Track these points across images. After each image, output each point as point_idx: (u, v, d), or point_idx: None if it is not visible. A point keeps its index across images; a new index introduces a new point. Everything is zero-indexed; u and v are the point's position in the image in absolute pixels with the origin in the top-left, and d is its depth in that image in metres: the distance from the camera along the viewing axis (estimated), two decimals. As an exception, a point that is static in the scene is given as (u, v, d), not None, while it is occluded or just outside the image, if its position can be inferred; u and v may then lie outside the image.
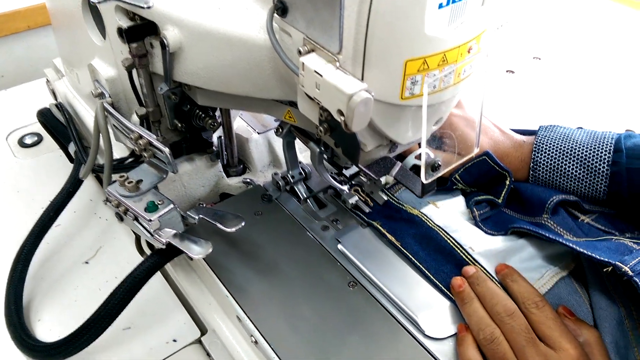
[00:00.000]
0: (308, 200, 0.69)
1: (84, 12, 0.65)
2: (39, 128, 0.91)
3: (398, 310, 0.56)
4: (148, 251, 0.74)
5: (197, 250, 0.55)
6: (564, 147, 0.64)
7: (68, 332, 0.59)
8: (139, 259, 0.73)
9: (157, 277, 0.70)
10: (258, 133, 0.76)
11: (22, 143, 0.93)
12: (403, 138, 0.49)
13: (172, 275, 0.69)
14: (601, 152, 0.62)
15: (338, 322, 0.55)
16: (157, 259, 0.59)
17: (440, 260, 0.59)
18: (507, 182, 0.65)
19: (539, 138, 0.66)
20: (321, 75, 0.41)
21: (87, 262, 0.73)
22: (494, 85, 1.01)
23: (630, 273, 0.50)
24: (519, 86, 1.02)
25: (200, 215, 0.58)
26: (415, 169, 0.63)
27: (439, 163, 0.46)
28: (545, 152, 0.65)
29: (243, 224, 0.57)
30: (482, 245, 0.60)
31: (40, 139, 0.94)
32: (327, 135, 0.48)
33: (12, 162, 0.90)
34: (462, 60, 0.43)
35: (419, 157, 0.61)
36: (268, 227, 0.66)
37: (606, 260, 0.52)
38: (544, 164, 0.65)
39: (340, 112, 0.40)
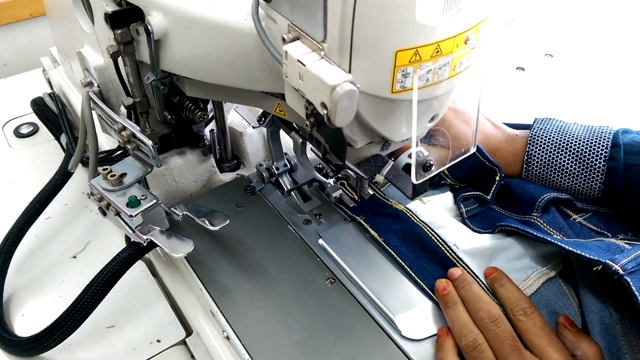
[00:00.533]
0: (292, 193, 0.67)
1: (74, -2, 0.63)
2: (35, 118, 0.90)
3: (376, 309, 0.54)
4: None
5: (178, 249, 0.52)
6: (560, 140, 0.61)
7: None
8: (128, 254, 0.71)
9: (144, 274, 0.67)
10: (253, 127, 0.73)
11: (17, 133, 0.92)
12: (396, 135, 0.46)
13: (159, 273, 0.67)
14: (598, 147, 0.59)
15: (314, 319, 0.54)
16: (134, 250, 0.57)
17: (423, 258, 0.57)
18: (497, 178, 0.63)
19: (534, 131, 0.63)
20: (304, 65, 0.38)
21: (75, 257, 0.71)
22: (503, 82, 0.98)
23: (621, 272, 0.47)
24: (529, 84, 0.98)
25: (185, 212, 0.56)
26: (408, 168, 0.60)
27: (431, 163, 0.43)
28: (540, 145, 0.62)
29: (228, 221, 0.54)
30: (467, 243, 0.58)
31: (36, 129, 0.92)
32: (315, 130, 0.45)
33: (7, 153, 0.88)
34: (458, 51, 0.39)
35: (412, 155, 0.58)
36: (249, 220, 0.64)
37: (595, 258, 0.50)
38: (538, 158, 0.62)
39: (324, 105, 0.37)
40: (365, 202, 0.64)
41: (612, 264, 0.48)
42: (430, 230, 0.59)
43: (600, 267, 0.49)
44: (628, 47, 1.10)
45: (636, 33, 1.15)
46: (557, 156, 0.61)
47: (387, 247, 0.59)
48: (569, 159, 0.60)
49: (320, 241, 0.61)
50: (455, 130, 0.61)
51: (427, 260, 0.57)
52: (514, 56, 1.04)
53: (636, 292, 0.47)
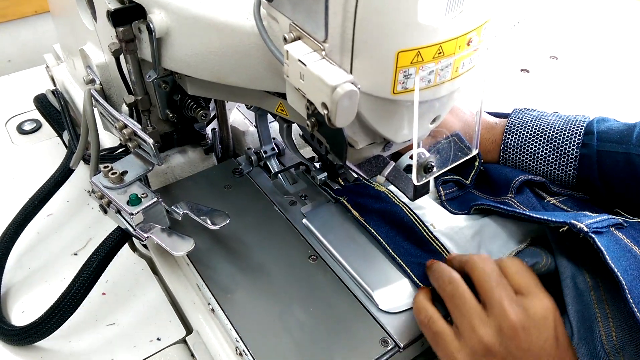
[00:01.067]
0: (279, 176, 0.68)
1: (77, -5, 0.63)
2: (38, 115, 0.90)
3: (355, 284, 0.56)
4: (139, 245, 0.72)
5: (179, 247, 0.52)
6: (535, 129, 0.63)
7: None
8: (129, 252, 0.71)
9: (146, 273, 0.68)
10: (255, 126, 0.73)
11: (20, 129, 0.92)
12: (397, 136, 0.46)
13: (160, 272, 0.67)
14: (571, 135, 0.61)
15: (296, 295, 0.55)
16: (120, 232, 0.58)
17: (401, 236, 0.59)
18: (476, 164, 0.65)
19: (511, 120, 0.65)
20: (305, 65, 0.37)
21: (76, 254, 0.71)
22: (508, 84, 0.97)
23: (585, 229, 0.49)
24: (533, 86, 0.97)
25: (185, 211, 0.56)
26: (409, 169, 0.60)
27: (433, 164, 0.42)
28: (515, 134, 0.64)
29: (228, 221, 0.54)
30: (444, 224, 0.60)
31: (39, 126, 0.92)
32: (316, 130, 0.45)
33: (10, 149, 0.88)
34: (461, 52, 0.39)
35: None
36: (236, 201, 0.65)
37: (562, 220, 0.51)
38: (514, 146, 0.64)
39: (324, 106, 0.37)
40: (350, 185, 0.66)
41: (576, 222, 0.50)
42: (409, 210, 0.60)
43: (566, 227, 0.51)
44: (633, 50, 1.09)
45: (638, 36, 1.14)
46: (532, 144, 0.63)
47: (367, 226, 0.60)
48: (543, 147, 0.62)
49: (304, 221, 0.62)
50: (449, 127, 0.62)
51: (404, 238, 0.59)
52: (519, 58, 1.04)
53: (602, 247, 0.47)
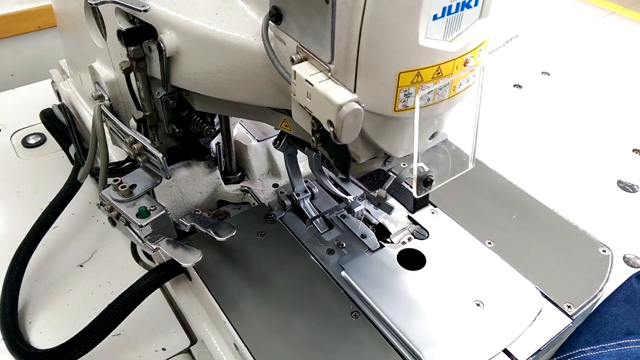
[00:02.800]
0: (313, 222, 0.67)
1: (86, 14, 0.65)
2: (43, 128, 0.91)
3: (402, 345, 0.54)
4: (143, 257, 0.74)
5: (187, 259, 0.54)
6: None
7: (58, 336, 0.58)
8: (134, 264, 0.73)
9: (150, 283, 0.69)
10: (258, 141, 0.75)
11: (25, 143, 0.93)
12: (397, 151, 0.48)
13: (166, 283, 0.68)
14: None
15: (339, 354, 0.53)
16: (158, 275, 0.58)
17: None
18: None
19: None
20: (312, 85, 0.40)
21: (81, 266, 0.73)
22: (500, 99, 1.00)
23: None
24: (526, 101, 1.00)
25: (193, 223, 0.57)
26: (409, 182, 0.62)
27: (432, 178, 0.44)
28: None
29: (234, 232, 0.56)
30: None
31: (43, 140, 0.94)
32: (320, 146, 0.47)
33: (15, 162, 0.90)
34: (458, 73, 0.42)
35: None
36: (271, 250, 0.63)
37: None
38: None
39: (330, 123, 0.39)
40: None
41: None
42: None
43: None
44: (622, 66, 1.12)
45: (630, 52, 1.18)
46: None
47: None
48: None
49: (343, 273, 0.60)
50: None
51: None
52: (512, 74, 1.07)
53: None
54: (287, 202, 0.68)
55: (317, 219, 0.67)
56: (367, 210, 0.65)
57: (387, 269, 0.61)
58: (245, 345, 0.53)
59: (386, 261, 0.61)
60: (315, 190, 0.70)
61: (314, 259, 0.62)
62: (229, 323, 0.55)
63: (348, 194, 0.64)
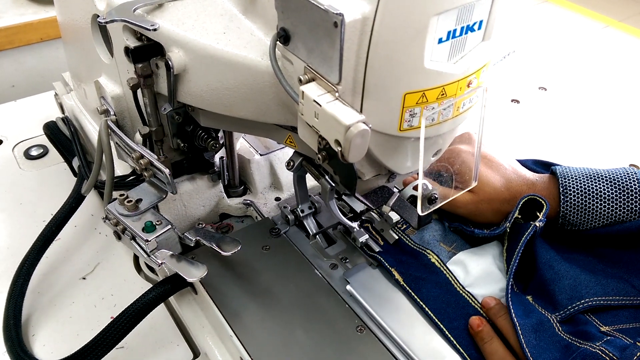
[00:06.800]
0: (316, 237, 0.68)
1: (93, 29, 0.66)
2: (45, 140, 0.92)
3: (407, 358, 0.54)
4: (146, 269, 0.74)
5: (192, 274, 0.54)
6: (592, 172, 0.63)
7: (61, 349, 0.58)
8: (137, 276, 0.73)
9: (153, 296, 0.69)
10: (260, 155, 0.76)
11: (27, 155, 0.94)
12: (401, 168, 0.49)
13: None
14: (630, 174, 0.62)
15: None
16: (164, 289, 0.58)
17: (451, 310, 0.58)
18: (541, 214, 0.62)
19: (561, 168, 0.65)
20: (320, 105, 0.41)
21: (84, 278, 0.73)
22: (498, 114, 1.01)
23: None
24: (523, 116, 1.02)
25: (198, 238, 0.58)
26: (413, 199, 0.63)
27: (436, 196, 0.45)
28: (573, 178, 0.63)
29: (239, 247, 0.56)
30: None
31: (45, 152, 0.94)
32: (326, 163, 0.48)
33: (17, 174, 0.90)
34: (462, 94, 0.43)
35: (417, 187, 0.61)
36: (276, 263, 0.64)
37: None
38: (574, 188, 0.63)
39: (338, 143, 0.40)
40: (390, 247, 0.65)
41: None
42: (460, 286, 0.60)
43: None
44: (620, 81, 1.14)
45: (629, 67, 1.20)
46: (593, 183, 0.63)
47: (419, 300, 0.59)
48: (605, 184, 0.62)
49: (348, 287, 0.61)
50: (480, 174, 0.62)
51: (456, 315, 0.58)
52: (509, 89, 1.08)
53: None
54: (291, 217, 0.69)
55: (320, 235, 0.68)
56: (370, 237, 0.66)
57: (390, 283, 0.62)
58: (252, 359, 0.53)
59: (389, 275, 0.62)
60: (318, 205, 0.71)
61: (318, 273, 0.63)
62: (235, 337, 0.55)
63: (354, 220, 0.65)
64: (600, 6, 1.91)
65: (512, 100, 1.05)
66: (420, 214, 0.46)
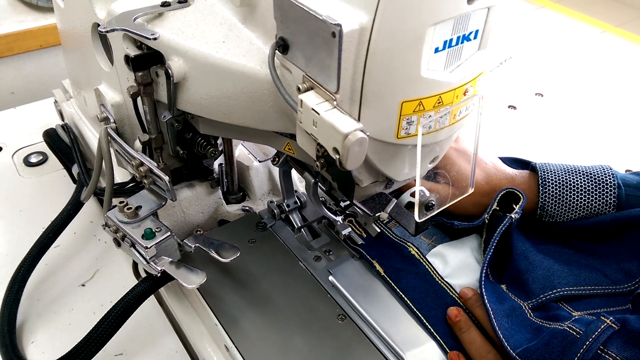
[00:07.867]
0: (302, 230, 0.69)
1: (93, 37, 0.67)
2: (44, 147, 0.92)
3: (386, 346, 0.56)
4: (144, 275, 0.74)
5: (191, 280, 0.55)
6: (569, 168, 0.65)
7: (60, 355, 0.58)
8: (134, 282, 0.73)
9: (151, 303, 0.69)
10: (259, 161, 0.76)
11: (27, 162, 0.94)
12: (399, 175, 0.49)
13: (166, 302, 0.69)
14: (605, 169, 0.64)
15: (325, 355, 0.55)
16: (149, 284, 0.59)
17: (430, 299, 0.60)
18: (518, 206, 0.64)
19: (540, 163, 0.67)
20: (318, 113, 0.41)
21: (83, 285, 0.73)
22: (495, 120, 1.02)
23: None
24: (520, 122, 1.03)
25: (197, 244, 0.58)
26: (410, 206, 0.63)
27: (433, 202, 0.46)
28: (552, 172, 0.65)
29: (238, 254, 0.57)
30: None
31: (45, 159, 0.95)
32: (324, 170, 0.48)
33: (17, 181, 0.90)
34: (458, 102, 0.43)
35: (414, 194, 0.62)
36: (261, 256, 0.66)
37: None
38: (551, 180, 0.65)
39: (336, 150, 0.41)
40: (373, 240, 0.66)
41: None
42: (440, 278, 0.61)
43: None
44: (617, 87, 1.15)
45: (625, 73, 1.21)
46: (570, 176, 0.65)
47: (398, 290, 0.61)
48: (581, 178, 0.64)
49: (331, 278, 0.63)
50: (457, 168, 0.64)
51: (434, 304, 0.59)
52: (506, 95, 1.09)
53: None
54: (277, 211, 0.71)
55: (304, 228, 0.70)
56: (353, 230, 0.68)
57: (372, 274, 0.64)
58: (236, 347, 0.56)
59: (371, 267, 0.64)
60: (304, 199, 0.72)
61: (302, 265, 0.65)
62: (221, 326, 0.57)
63: (338, 214, 0.67)
64: (597, 12, 1.92)
65: (509, 106, 1.06)
66: (418, 220, 0.47)
